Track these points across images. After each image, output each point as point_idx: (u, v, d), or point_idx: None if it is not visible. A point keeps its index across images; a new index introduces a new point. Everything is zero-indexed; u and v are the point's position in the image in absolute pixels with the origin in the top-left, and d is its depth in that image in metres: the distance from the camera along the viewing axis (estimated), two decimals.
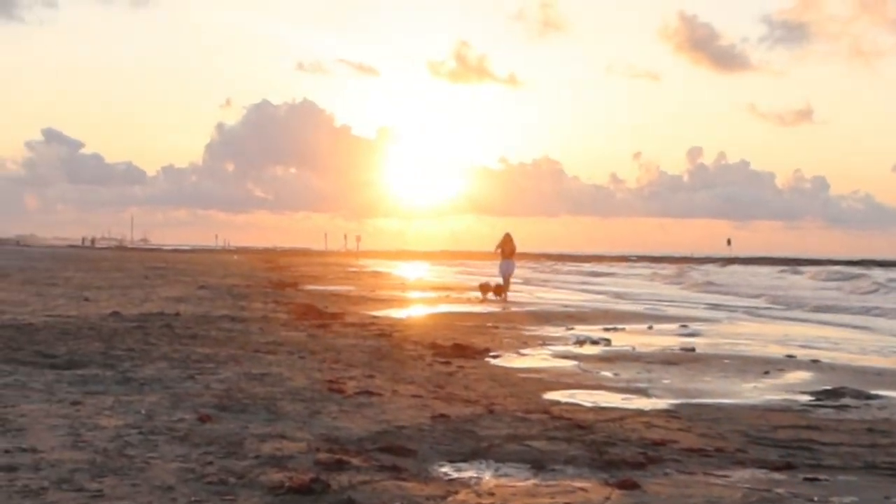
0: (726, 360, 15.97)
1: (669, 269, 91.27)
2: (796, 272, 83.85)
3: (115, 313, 19.42)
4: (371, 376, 11.85)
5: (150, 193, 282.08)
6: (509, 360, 14.96)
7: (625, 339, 19.02)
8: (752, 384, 13.39)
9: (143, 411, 8.68)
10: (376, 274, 61.24)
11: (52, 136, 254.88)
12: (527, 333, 19.74)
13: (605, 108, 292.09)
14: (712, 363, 15.53)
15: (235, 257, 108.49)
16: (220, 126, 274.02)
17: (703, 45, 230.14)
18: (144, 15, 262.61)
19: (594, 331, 20.87)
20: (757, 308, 35.94)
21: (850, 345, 20.38)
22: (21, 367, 11.27)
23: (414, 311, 26.20)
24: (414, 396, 10.49)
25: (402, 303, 29.97)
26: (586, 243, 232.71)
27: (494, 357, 15.23)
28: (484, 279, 36.44)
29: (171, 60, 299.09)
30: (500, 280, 34.06)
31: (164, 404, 9.11)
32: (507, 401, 10.69)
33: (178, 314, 19.95)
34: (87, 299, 24.11)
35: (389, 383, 11.39)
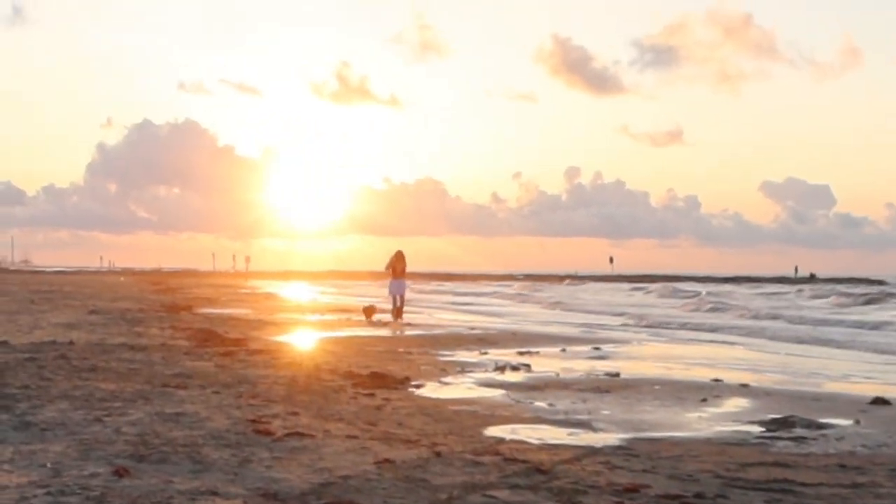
0: (657, 387, 15.23)
1: (514, 289, 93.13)
2: (638, 289, 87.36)
3: (4, 343, 17.98)
4: (295, 413, 10.73)
5: (31, 214, 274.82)
6: (435, 391, 13.95)
7: (544, 364, 18.17)
8: (696, 413, 12.61)
9: (48, 465, 7.47)
10: (269, 296, 59.65)
11: None
12: (442, 359, 18.75)
13: (484, 130, 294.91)
14: (644, 390, 14.76)
15: (122, 279, 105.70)
16: (101, 145, 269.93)
17: (578, 67, 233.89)
18: (21, 33, 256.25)
19: (509, 355, 20.01)
20: (629, 325, 37.56)
21: (763, 365, 20.05)
22: None
23: (318, 335, 24.99)
24: (349, 437, 9.42)
25: (302, 326, 28.73)
26: (470, 262, 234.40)
27: (417, 387, 14.20)
28: (368, 301, 35.68)
29: (50, 79, 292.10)
30: (388, 300, 33.19)
31: (72, 455, 7.90)
32: (449, 440, 9.69)
33: (72, 343, 18.57)
34: None
35: (318, 421, 10.30)
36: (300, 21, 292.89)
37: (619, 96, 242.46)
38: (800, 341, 29.73)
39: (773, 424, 11.65)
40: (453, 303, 58.55)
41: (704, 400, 13.79)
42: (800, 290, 77.22)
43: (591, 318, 42.89)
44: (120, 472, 7.23)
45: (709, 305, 54.41)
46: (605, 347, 23.08)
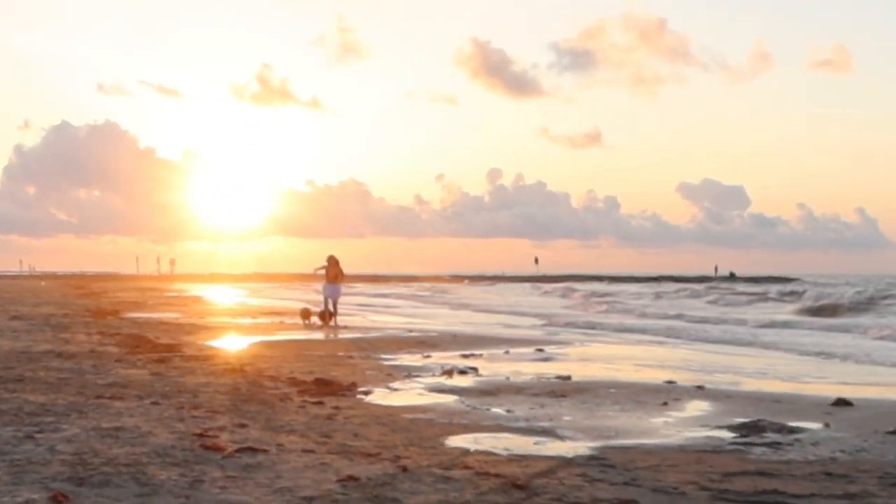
0: (612, 390, 14.72)
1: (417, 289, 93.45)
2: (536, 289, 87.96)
3: None
4: (243, 425, 9.98)
5: None
6: (385, 398, 13.26)
7: (491, 368, 17.58)
8: (660, 418, 12.07)
9: None
10: (197, 299, 58.34)
11: None
12: (385, 363, 18.06)
13: (407, 132, 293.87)
14: (601, 393, 14.22)
15: (44, 283, 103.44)
16: (18, 148, 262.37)
17: (497, 70, 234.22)
18: None
19: (452, 357, 19.42)
20: (546, 325, 37.77)
21: (709, 366, 19.61)
22: None
23: (253, 339, 24.09)
24: (305, 451, 8.69)
25: (236, 330, 27.82)
26: (394, 263, 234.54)
27: (366, 393, 13.51)
28: (303, 305, 34.99)
29: None
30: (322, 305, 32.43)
31: (2, 479, 7.07)
32: (412, 452, 9.02)
33: None
34: None
35: (268, 434, 9.55)
36: (221, 23, 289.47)
37: (539, 99, 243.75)
38: (715, 341, 29.42)
39: (743, 429, 11.17)
40: (367, 305, 57.58)
41: (665, 403, 13.29)
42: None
43: (512, 319, 42.43)
44: (58, 499, 6.47)
45: (605, 306, 54.36)
46: (548, 349, 22.50)
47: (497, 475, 8.02)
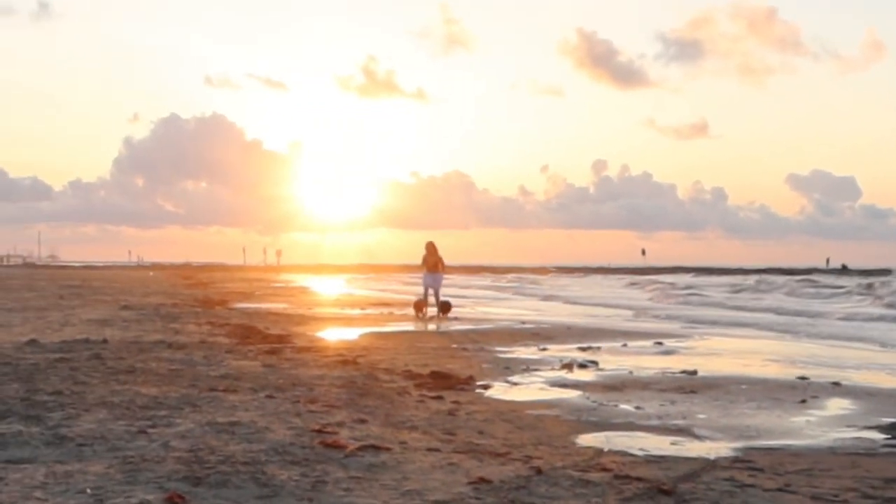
0: (743, 386, 13.98)
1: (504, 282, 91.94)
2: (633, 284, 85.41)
3: (33, 341, 16.77)
4: (362, 421, 9.48)
5: (58, 209, 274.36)
6: (505, 392, 12.70)
7: (611, 361, 16.91)
8: (802, 417, 11.32)
9: (88, 490, 6.26)
10: (304, 289, 58.31)
11: None
12: (501, 356, 17.50)
13: (511, 123, 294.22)
14: (732, 390, 13.49)
15: (152, 273, 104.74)
16: (127, 140, 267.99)
17: (603, 61, 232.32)
18: (47, 27, 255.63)
19: (570, 351, 18.78)
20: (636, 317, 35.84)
21: (837, 360, 18.60)
22: None
23: (363, 330, 23.66)
24: (430, 450, 8.17)
25: (346, 321, 27.45)
26: (498, 255, 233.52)
27: (485, 388, 12.97)
28: (417, 296, 34.47)
29: (76, 74, 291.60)
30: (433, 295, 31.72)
31: (115, 478, 6.65)
32: (542, 451, 8.46)
33: (105, 341, 17.37)
34: None
35: (389, 431, 9.05)
36: (326, 15, 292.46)
37: (645, 90, 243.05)
38: (831, 336, 28.14)
39: (894, 430, 10.42)
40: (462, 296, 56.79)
41: (803, 401, 12.53)
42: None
43: (608, 311, 41.14)
44: (174, 500, 6.04)
45: (695, 298, 52.32)
46: (668, 342, 21.75)
47: (638, 478, 7.43)
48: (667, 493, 7.04)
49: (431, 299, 31.27)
